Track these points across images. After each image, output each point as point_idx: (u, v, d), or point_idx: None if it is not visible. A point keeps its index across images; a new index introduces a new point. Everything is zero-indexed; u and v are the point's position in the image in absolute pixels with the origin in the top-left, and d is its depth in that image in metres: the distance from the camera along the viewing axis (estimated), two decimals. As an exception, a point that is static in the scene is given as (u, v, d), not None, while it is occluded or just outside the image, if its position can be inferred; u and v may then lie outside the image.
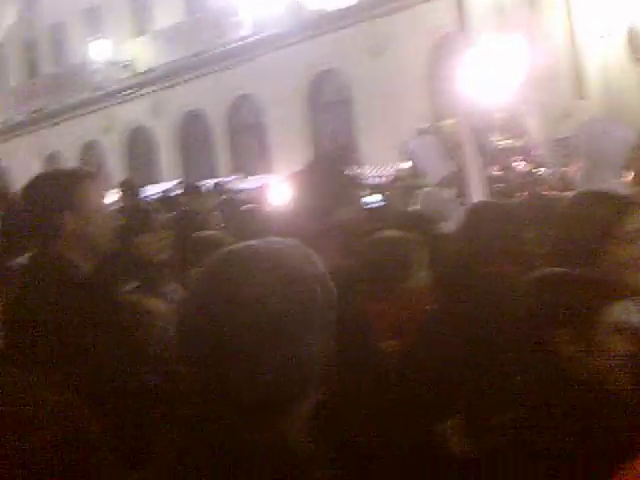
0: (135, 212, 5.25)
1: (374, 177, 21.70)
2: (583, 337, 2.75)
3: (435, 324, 4.22)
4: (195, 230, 7.06)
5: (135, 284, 4.42)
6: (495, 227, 4.46)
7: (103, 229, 3.73)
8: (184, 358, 1.93)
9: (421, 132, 20.18)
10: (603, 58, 22.89)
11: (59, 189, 3.65)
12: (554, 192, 12.61)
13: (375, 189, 11.35)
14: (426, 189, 8.86)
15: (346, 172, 5.62)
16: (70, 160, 36.47)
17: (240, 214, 6.75)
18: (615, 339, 2.78)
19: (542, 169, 15.72)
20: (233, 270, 1.91)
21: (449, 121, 20.58)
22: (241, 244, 1.99)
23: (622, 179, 6.24)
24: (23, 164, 35.01)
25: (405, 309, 4.49)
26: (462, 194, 9.30)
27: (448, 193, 8.96)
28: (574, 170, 13.51)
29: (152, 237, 5.32)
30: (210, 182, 17.93)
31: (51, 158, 37.76)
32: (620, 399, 2.68)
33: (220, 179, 20.21)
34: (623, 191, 5.52)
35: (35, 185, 3.76)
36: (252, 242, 1.99)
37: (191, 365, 1.92)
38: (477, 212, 4.80)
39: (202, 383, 1.91)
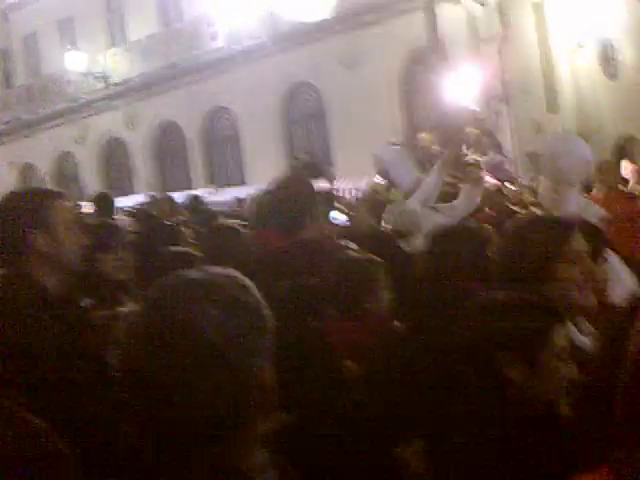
0: (100, 229, 5.26)
1: (348, 190, 21.76)
2: (527, 360, 2.81)
3: (396, 346, 4.26)
4: (164, 244, 7.08)
5: (89, 301, 4.42)
6: (460, 248, 4.53)
7: (72, 249, 3.72)
8: (126, 386, 1.96)
9: (394, 145, 20.21)
10: (575, 72, 23.05)
11: (29, 208, 3.65)
12: (523, 207, 12.71)
13: (346, 204, 11.34)
14: (393, 204, 8.90)
15: (315, 188, 5.69)
16: (44, 171, 36.36)
17: (213, 230, 6.75)
18: (558, 363, 2.85)
19: (511, 184, 15.77)
20: (172, 299, 1.95)
21: (423, 134, 20.68)
22: (178, 274, 2.03)
23: (579, 195, 6.35)
24: (-4, 175, 34.95)
25: (367, 331, 4.52)
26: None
27: (418, 206, 8.99)
28: (539, 185, 13.62)
29: (113, 256, 5.32)
30: (183, 194, 17.93)
31: (25, 169, 37.64)
32: (563, 422, 2.74)
33: (193, 192, 20.16)
34: (571, 214, 5.65)
35: (5, 204, 3.76)
36: (190, 272, 2.03)
37: (132, 393, 1.95)
38: (442, 235, 4.85)
39: (143, 411, 1.93)
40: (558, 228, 3.49)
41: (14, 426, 2.05)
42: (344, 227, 8.10)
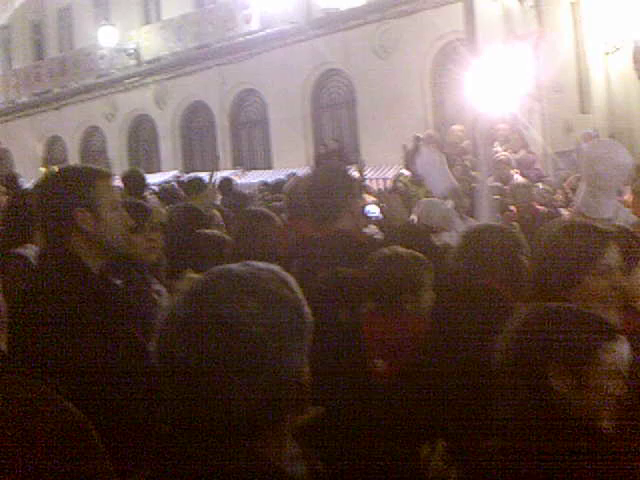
0: (129, 209, 5.29)
1: (375, 180, 21.75)
2: (575, 373, 2.79)
3: (428, 345, 4.24)
4: (197, 227, 7.07)
5: (120, 282, 4.43)
6: (492, 250, 4.50)
7: (115, 229, 3.73)
8: (164, 378, 1.97)
9: (426, 139, 20.18)
10: (608, 73, 22.92)
11: (74, 186, 3.66)
12: (549, 207, 12.67)
13: (375, 196, 11.34)
14: (426, 199, 8.90)
15: (350, 180, 5.66)
16: (72, 145, 36.45)
17: (244, 215, 6.73)
18: (607, 380, 2.82)
19: (540, 183, 15.72)
20: (215, 293, 1.97)
21: (453, 127, 20.64)
22: (220, 268, 2.06)
23: (618, 201, 6.32)
24: (24, 146, 35.02)
25: (403, 330, 4.49)
26: (462, 205, 9.34)
27: (448, 204, 9.01)
28: (570, 185, 13.56)
29: (143, 237, 5.30)
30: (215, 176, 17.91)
31: (53, 142, 37.74)
32: (606, 438, 2.72)
33: (226, 174, 20.16)
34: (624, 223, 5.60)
35: (51, 180, 3.80)
36: (232, 266, 2.05)
37: (170, 385, 1.95)
38: (475, 236, 4.82)
39: (180, 404, 1.94)
40: (594, 238, 3.45)
41: (53, 416, 2.06)
42: (377, 219, 8.11)
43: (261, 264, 2.08)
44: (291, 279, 2.06)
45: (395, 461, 3.80)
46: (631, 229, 5.72)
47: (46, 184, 3.79)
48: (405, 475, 3.82)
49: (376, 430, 3.93)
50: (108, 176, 3.82)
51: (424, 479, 3.72)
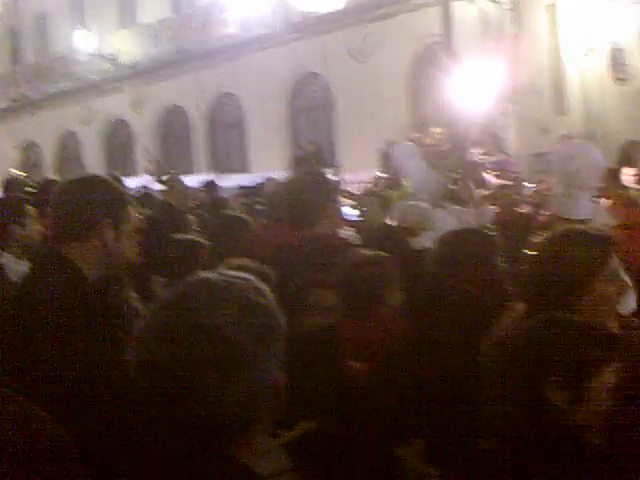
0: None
1: (352, 184, 21.76)
2: (574, 388, 2.79)
3: (404, 347, 4.24)
4: (172, 230, 7.07)
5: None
6: (469, 254, 4.51)
7: (126, 254, 3.78)
8: (141, 384, 1.98)
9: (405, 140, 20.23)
10: (584, 75, 23.03)
11: (110, 198, 3.72)
12: (528, 209, 12.70)
13: (353, 199, 11.35)
14: (401, 202, 8.89)
15: (328, 185, 5.66)
16: (47, 149, 36.35)
17: (221, 219, 6.75)
18: (605, 396, 2.82)
19: (517, 184, 15.74)
20: (193, 301, 1.98)
21: (431, 130, 20.69)
22: (197, 277, 2.07)
23: (593, 200, 6.34)
24: (0, 151, 34.91)
25: (378, 331, 4.50)
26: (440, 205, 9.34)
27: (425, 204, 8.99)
28: (547, 187, 13.60)
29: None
30: (192, 179, 17.87)
31: (29, 147, 37.63)
32: (595, 451, 2.72)
33: (209, 177, 20.13)
34: (602, 225, 5.61)
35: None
36: (207, 275, 2.07)
37: (148, 391, 1.96)
38: (451, 240, 4.83)
39: (158, 409, 1.95)
40: (597, 244, 3.44)
41: (11, 413, 2.05)
42: (354, 222, 8.13)
43: (235, 272, 2.12)
44: (264, 287, 2.08)
45: (371, 462, 3.81)
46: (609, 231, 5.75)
47: (79, 187, 3.80)
48: (381, 476, 3.83)
49: (353, 432, 3.93)
50: (130, 201, 3.89)
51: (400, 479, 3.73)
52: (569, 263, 3.34)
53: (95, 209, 3.66)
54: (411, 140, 20.82)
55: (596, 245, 3.41)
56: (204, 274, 2.07)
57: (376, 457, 3.85)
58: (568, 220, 5.44)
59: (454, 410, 3.61)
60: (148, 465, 1.97)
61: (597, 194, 9.17)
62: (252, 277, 2.09)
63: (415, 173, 9.75)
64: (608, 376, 2.83)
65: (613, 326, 3.40)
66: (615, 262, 3.41)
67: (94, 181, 3.86)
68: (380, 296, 4.64)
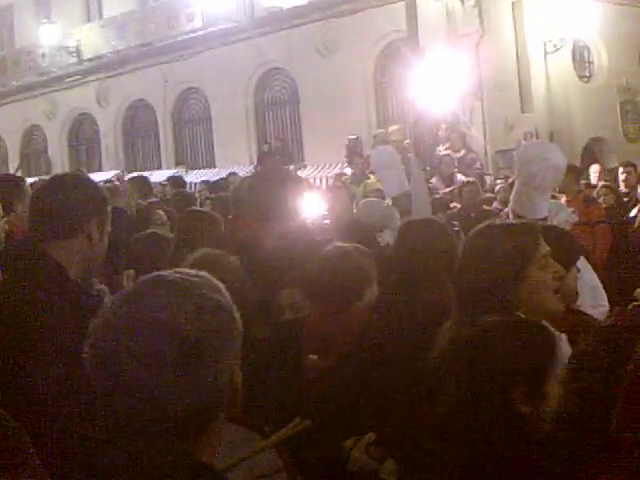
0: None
1: (318, 178, 21.81)
2: (536, 392, 2.81)
3: (367, 339, 4.26)
4: (139, 226, 7.07)
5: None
6: (424, 246, 4.54)
7: (103, 253, 3.82)
8: (96, 380, 1.98)
9: (376, 139, 20.28)
10: (548, 72, 23.15)
11: (97, 198, 3.77)
12: (495, 205, 12.79)
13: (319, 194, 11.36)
14: (365, 199, 8.93)
15: (292, 180, 5.68)
16: (12, 143, 36.08)
17: (187, 214, 6.76)
18: (555, 387, 2.86)
19: (480, 181, 15.84)
20: (150, 297, 1.99)
21: (394, 127, 20.74)
22: (152, 275, 2.08)
23: (550, 199, 6.40)
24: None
25: (349, 326, 4.47)
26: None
27: (386, 202, 9.04)
28: (510, 184, 13.70)
29: None
30: (158, 173, 17.87)
31: (-7, 140, 37.37)
32: (552, 439, 2.75)
33: (174, 172, 20.10)
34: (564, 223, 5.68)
35: (75, 181, 3.85)
36: (164, 273, 2.08)
37: (104, 387, 1.97)
38: (408, 230, 4.85)
39: (114, 406, 1.96)
40: (525, 233, 3.50)
41: None
42: (321, 217, 8.15)
43: (192, 270, 2.12)
44: (221, 285, 2.09)
45: (322, 454, 3.84)
46: (568, 229, 5.83)
47: (71, 184, 3.81)
48: (331, 467, 3.86)
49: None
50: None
51: (346, 474, 3.76)
52: (502, 254, 3.39)
53: (85, 207, 3.69)
54: (375, 135, 20.91)
55: (523, 235, 3.47)
56: (160, 272, 2.09)
57: (324, 449, 3.87)
58: (525, 218, 5.49)
59: (407, 407, 3.64)
60: (107, 462, 1.97)
61: (556, 192, 9.26)
62: (208, 274, 2.11)
63: (392, 184, 9.73)
64: (557, 369, 2.87)
65: (557, 310, 3.46)
66: (545, 249, 3.46)
67: (79, 180, 3.87)
68: (358, 291, 4.58)
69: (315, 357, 4.40)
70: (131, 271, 6.21)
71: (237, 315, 2.07)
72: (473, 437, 2.82)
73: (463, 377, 2.91)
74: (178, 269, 2.13)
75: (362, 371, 4.11)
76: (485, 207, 12.33)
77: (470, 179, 14.03)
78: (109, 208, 3.84)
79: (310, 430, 3.29)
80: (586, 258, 5.09)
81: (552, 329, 3.12)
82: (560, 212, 6.40)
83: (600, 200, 11.98)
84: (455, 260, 4.35)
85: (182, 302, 1.98)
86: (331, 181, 18.88)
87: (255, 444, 2.56)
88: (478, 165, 19.33)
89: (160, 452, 1.92)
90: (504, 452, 2.72)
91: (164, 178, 16.94)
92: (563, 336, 3.46)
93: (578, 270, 4.30)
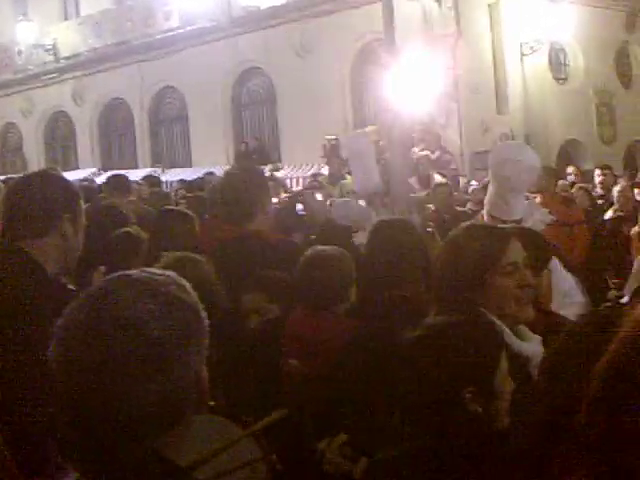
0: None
1: (295, 178, 21.81)
2: (485, 390, 2.84)
3: (349, 344, 4.25)
4: (116, 226, 7.03)
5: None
6: (396, 246, 4.55)
7: (79, 246, 3.82)
8: (61, 377, 1.98)
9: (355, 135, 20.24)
10: (525, 74, 23.25)
11: (68, 194, 3.76)
12: (470, 207, 12.82)
13: (295, 194, 11.35)
14: (341, 199, 8.93)
15: (264, 180, 5.69)
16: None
17: (161, 214, 6.74)
18: (506, 383, 2.89)
19: (453, 182, 15.89)
20: (114, 296, 1.99)
21: (369, 128, 20.74)
22: (118, 274, 2.09)
23: (525, 201, 6.41)
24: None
25: (331, 329, 4.46)
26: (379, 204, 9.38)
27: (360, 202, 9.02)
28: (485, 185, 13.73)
29: None
30: (134, 172, 17.81)
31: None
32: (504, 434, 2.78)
33: (151, 171, 20.04)
34: (539, 223, 5.69)
35: (41, 179, 3.84)
36: (129, 272, 2.08)
37: (68, 387, 1.97)
38: (379, 230, 4.86)
39: (79, 405, 1.95)
40: (494, 238, 3.50)
41: None
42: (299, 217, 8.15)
43: (158, 270, 2.14)
44: (187, 283, 2.09)
45: (294, 457, 3.84)
46: (543, 229, 5.85)
47: (37, 183, 3.79)
48: (305, 470, 3.86)
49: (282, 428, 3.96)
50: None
51: (319, 475, 3.77)
52: (465, 256, 3.40)
53: (56, 205, 3.68)
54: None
55: (492, 238, 3.48)
56: (125, 272, 2.09)
57: (299, 451, 3.87)
58: (500, 220, 5.51)
59: (377, 410, 3.65)
60: (76, 461, 1.99)
61: (532, 193, 9.27)
62: (174, 273, 2.11)
63: (364, 179, 9.68)
64: (505, 365, 2.90)
65: (525, 317, 3.47)
66: (515, 255, 3.47)
67: (50, 177, 3.86)
68: (342, 294, 4.61)
69: (296, 362, 4.40)
70: (102, 268, 6.19)
71: (203, 314, 2.07)
72: (430, 435, 2.85)
73: (413, 377, 2.95)
74: (144, 268, 2.14)
75: (344, 375, 4.11)
76: (459, 208, 12.35)
77: (443, 181, 14.08)
78: (82, 203, 3.84)
79: (286, 432, 3.31)
80: (559, 258, 5.10)
81: (499, 325, 3.16)
82: (534, 212, 6.41)
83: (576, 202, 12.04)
84: (427, 259, 4.37)
85: (147, 300, 1.98)
86: (307, 181, 18.87)
87: (234, 433, 2.57)
88: (453, 166, 19.38)
89: (126, 451, 1.93)
90: (461, 450, 2.75)
91: (140, 177, 16.84)
92: (537, 337, 3.48)
93: (549, 272, 4.32)
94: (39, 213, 3.67)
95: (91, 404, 1.93)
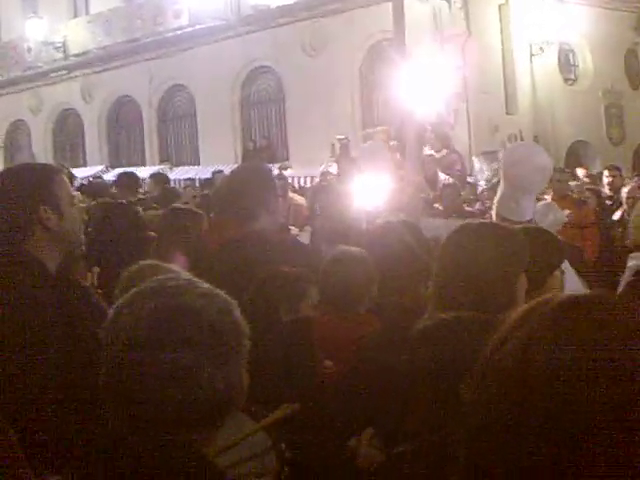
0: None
1: (303, 177, 21.80)
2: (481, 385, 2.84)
3: (372, 345, 4.25)
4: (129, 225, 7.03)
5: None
6: (397, 248, 4.55)
7: (75, 224, 3.68)
8: (121, 368, 2.05)
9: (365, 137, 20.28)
10: (534, 75, 23.23)
11: (35, 184, 3.58)
12: (478, 206, 12.82)
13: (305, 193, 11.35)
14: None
15: (270, 179, 5.67)
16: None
17: (169, 212, 6.74)
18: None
19: (466, 182, 15.88)
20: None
21: (379, 129, 20.74)
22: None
23: (536, 202, 6.39)
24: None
25: (355, 330, 4.45)
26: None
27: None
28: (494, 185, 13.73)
29: None
30: (142, 170, 17.84)
31: (-23, 134, 37.23)
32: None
33: (159, 168, 20.06)
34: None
35: (9, 180, 3.68)
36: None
37: (133, 375, 2.03)
38: (382, 232, 4.86)
39: (126, 394, 2.03)
40: (521, 240, 3.49)
41: None
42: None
43: (175, 276, 2.26)
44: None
45: (325, 456, 3.85)
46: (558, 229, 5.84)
47: (4, 184, 3.66)
48: (339, 467, 3.88)
49: (318, 428, 3.97)
50: (61, 171, 3.79)
51: (355, 467, 3.78)
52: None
53: (28, 201, 3.55)
54: (364, 135, 20.89)
55: (518, 239, 3.47)
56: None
57: (330, 449, 3.89)
58: (510, 221, 5.49)
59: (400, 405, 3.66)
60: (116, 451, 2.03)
61: (544, 194, 9.24)
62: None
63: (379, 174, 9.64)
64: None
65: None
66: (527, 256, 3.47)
67: (16, 172, 3.77)
68: (363, 295, 4.62)
69: (331, 363, 4.41)
70: (95, 269, 6.20)
71: (221, 325, 2.13)
72: (431, 430, 2.88)
73: (417, 369, 2.98)
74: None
75: (370, 376, 4.13)
76: (467, 208, 12.36)
77: (450, 181, 14.09)
78: (62, 187, 3.65)
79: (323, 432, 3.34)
80: (575, 259, 5.10)
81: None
82: (549, 213, 6.40)
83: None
84: (428, 262, 4.35)
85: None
86: (316, 180, 18.87)
87: (246, 426, 2.60)
88: (459, 167, 19.33)
89: (167, 443, 1.99)
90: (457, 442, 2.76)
91: (148, 175, 16.86)
92: None
93: (562, 272, 4.29)
94: (17, 211, 3.55)
95: (136, 395, 2.01)
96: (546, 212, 6.44)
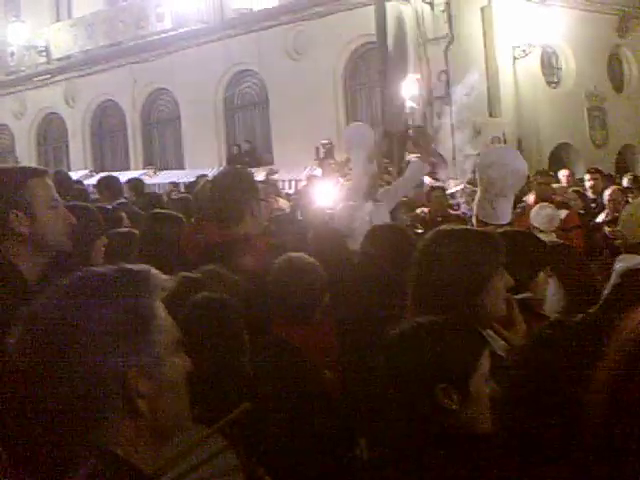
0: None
1: (285, 181, 21.77)
2: (461, 389, 2.84)
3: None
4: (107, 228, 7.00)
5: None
6: (387, 252, 4.55)
7: (53, 228, 3.57)
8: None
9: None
10: (517, 78, 23.28)
11: (4, 189, 3.48)
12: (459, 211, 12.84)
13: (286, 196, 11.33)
14: (346, 203, 8.84)
15: (252, 183, 5.65)
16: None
17: (150, 217, 6.71)
18: (484, 385, 2.89)
19: (449, 185, 15.90)
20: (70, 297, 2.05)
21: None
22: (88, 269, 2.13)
23: (509, 204, 6.41)
24: None
25: (315, 336, 4.46)
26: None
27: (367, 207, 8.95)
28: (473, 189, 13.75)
29: None
30: (127, 174, 17.77)
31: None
32: (486, 440, 2.77)
33: (137, 174, 20.01)
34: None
35: None
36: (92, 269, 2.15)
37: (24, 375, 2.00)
38: (375, 236, 4.86)
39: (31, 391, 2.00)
40: (493, 242, 3.50)
41: None
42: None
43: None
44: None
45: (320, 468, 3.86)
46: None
47: None
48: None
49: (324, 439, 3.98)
50: (41, 174, 3.63)
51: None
52: (472, 261, 3.39)
53: None
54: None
55: (491, 242, 3.48)
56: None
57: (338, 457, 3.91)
58: (489, 224, 5.51)
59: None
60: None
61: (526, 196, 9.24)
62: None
63: (364, 154, 9.55)
64: (485, 366, 2.90)
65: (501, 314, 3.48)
66: (503, 258, 3.48)
67: None
68: (318, 302, 4.60)
69: (330, 373, 4.41)
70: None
71: (148, 313, 2.07)
72: (405, 429, 2.88)
73: (392, 372, 2.97)
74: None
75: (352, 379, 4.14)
76: (451, 211, 12.38)
77: (438, 184, 14.11)
78: (32, 190, 3.51)
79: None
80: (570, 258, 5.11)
81: (483, 333, 3.17)
82: (546, 218, 6.41)
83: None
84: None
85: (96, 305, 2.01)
86: (300, 184, 18.86)
87: (198, 433, 2.57)
88: (442, 169, 19.31)
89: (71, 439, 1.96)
90: (433, 447, 2.77)
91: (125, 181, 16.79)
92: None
93: (550, 275, 4.30)
94: None
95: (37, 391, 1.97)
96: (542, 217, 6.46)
